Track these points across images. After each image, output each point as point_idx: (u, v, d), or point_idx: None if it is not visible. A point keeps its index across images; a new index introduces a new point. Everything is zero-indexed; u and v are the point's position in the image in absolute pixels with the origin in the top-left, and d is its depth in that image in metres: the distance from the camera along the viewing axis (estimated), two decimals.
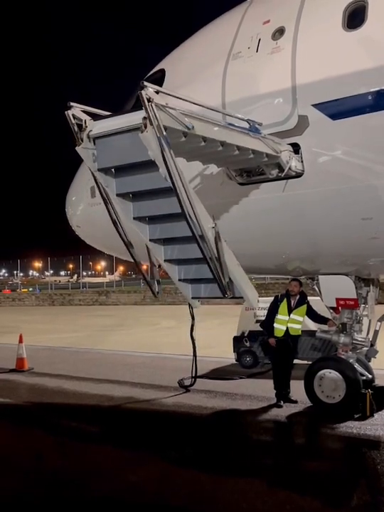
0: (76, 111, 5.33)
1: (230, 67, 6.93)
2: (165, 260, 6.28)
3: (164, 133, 4.80)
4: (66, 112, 5.25)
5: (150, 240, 6.15)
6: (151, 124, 4.70)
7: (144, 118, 4.72)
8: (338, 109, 6.00)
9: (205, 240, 5.42)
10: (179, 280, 6.44)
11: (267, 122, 6.43)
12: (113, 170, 5.63)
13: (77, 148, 5.35)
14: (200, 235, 5.35)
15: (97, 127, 5.29)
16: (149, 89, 4.78)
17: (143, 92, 4.71)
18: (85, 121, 5.30)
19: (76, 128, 5.31)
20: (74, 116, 5.33)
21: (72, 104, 5.29)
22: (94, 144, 5.37)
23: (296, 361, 9.40)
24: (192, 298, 6.58)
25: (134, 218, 5.99)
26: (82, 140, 5.28)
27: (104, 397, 9.53)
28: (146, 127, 4.71)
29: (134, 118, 4.95)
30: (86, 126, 5.27)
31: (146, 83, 4.79)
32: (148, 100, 4.71)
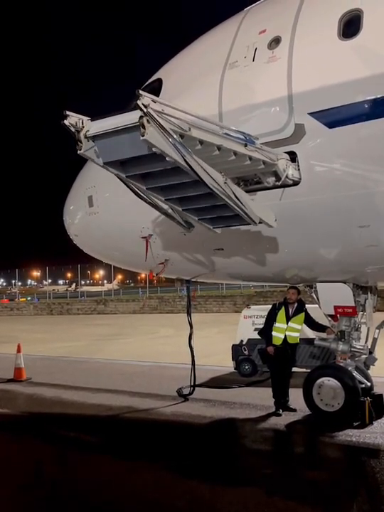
0: (72, 120, 5.39)
1: (226, 76, 6.97)
2: (183, 209, 6.53)
3: (175, 137, 4.99)
4: (63, 122, 5.33)
5: (166, 200, 6.35)
6: (149, 122, 4.78)
7: (141, 117, 4.78)
8: (335, 118, 6.03)
9: (226, 194, 5.78)
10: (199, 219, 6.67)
11: (263, 131, 6.45)
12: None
13: (78, 152, 5.48)
14: (222, 192, 5.73)
15: (94, 127, 5.34)
16: (145, 98, 4.83)
17: (139, 101, 4.76)
18: (82, 121, 5.39)
19: (73, 130, 5.41)
20: (71, 124, 5.39)
21: (68, 113, 5.34)
22: (94, 141, 5.45)
23: (294, 369, 9.39)
24: (213, 228, 6.81)
25: (148, 188, 6.13)
26: (80, 142, 5.39)
27: (102, 407, 9.49)
28: (144, 128, 4.77)
29: (131, 117, 4.98)
30: (83, 127, 5.36)
31: (141, 92, 4.83)
32: (145, 106, 4.77)
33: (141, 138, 4.80)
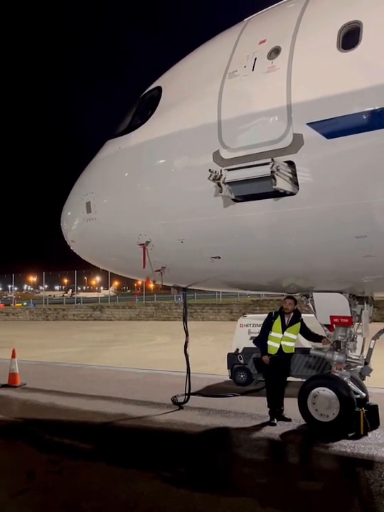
0: (213, 175, 6.49)
1: (226, 85, 6.99)
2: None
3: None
4: (208, 178, 6.52)
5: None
6: (278, 175, 6.09)
7: (272, 172, 6.03)
8: (332, 128, 6.04)
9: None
10: None
11: (262, 140, 6.47)
12: None
13: (220, 194, 6.65)
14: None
15: (229, 176, 6.50)
16: (276, 163, 6.04)
17: (271, 166, 6.01)
18: (221, 170, 6.53)
19: (212, 179, 6.51)
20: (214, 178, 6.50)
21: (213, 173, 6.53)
22: (229, 185, 6.56)
23: (290, 379, 9.38)
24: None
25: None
26: (220, 186, 6.52)
27: (96, 414, 9.46)
28: (275, 179, 6.07)
29: (263, 170, 6.16)
30: (221, 175, 6.48)
31: (274, 159, 6.10)
32: (277, 169, 6.04)
33: (274, 187, 6.11)
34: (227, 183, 6.53)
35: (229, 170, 6.58)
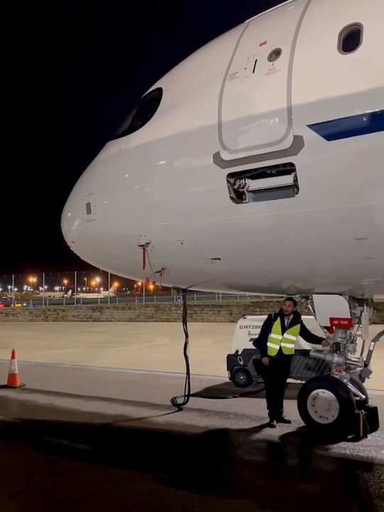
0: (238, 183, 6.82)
1: (226, 87, 6.99)
2: None
3: None
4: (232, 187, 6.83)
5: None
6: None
7: (295, 180, 6.33)
8: (333, 130, 6.03)
9: None
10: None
11: (262, 142, 6.47)
12: None
13: (243, 203, 6.88)
14: None
15: (252, 185, 6.78)
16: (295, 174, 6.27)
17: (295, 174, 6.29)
18: (244, 178, 6.79)
19: (236, 188, 6.83)
20: (238, 185, 6.83)
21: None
22: (253, 193, 6.84)
23: (290, 381, 9.37)
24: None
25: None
26: (245, 194, 6.83)
27: (95, 415, 9.45)
28: (298, 188, 6.34)
29: (285, 180, 6.45)
30: (245, 183, 6.80)
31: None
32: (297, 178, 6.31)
33: (296, 195, 6.38)
34: (251, 191, 6.79)
35: (252, 179, 6.77)
